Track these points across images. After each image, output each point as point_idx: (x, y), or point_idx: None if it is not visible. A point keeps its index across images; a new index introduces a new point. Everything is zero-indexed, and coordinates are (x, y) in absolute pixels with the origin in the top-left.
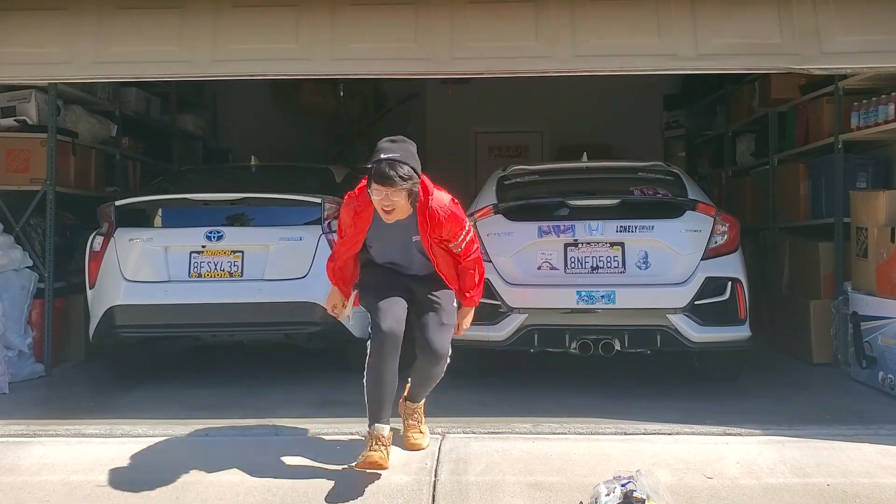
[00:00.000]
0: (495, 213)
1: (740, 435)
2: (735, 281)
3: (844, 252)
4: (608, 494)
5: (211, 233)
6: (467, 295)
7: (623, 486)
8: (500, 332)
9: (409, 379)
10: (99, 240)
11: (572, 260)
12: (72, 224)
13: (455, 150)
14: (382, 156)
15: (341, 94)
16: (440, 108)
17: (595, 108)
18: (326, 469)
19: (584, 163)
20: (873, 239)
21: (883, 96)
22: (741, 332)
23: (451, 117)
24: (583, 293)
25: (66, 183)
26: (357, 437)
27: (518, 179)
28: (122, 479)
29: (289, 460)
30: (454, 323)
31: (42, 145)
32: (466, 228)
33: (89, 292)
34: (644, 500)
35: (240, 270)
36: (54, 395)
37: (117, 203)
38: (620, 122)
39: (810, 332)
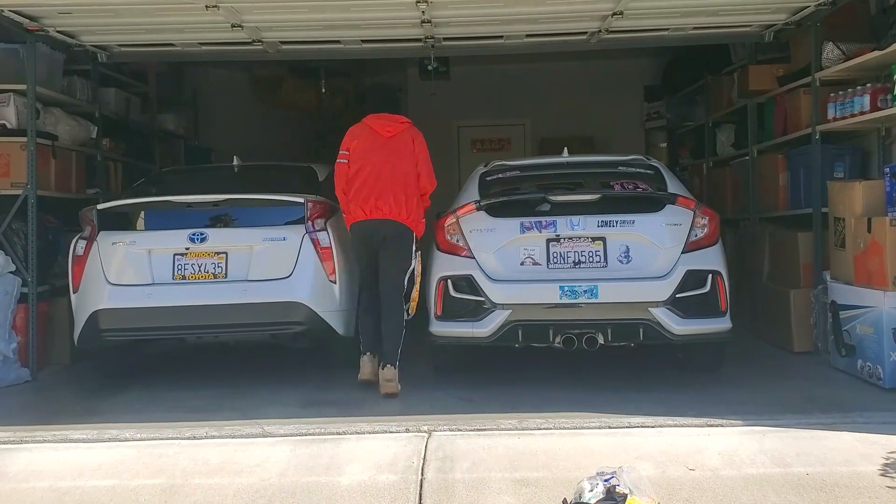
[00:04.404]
0: (478, 209)
1: (722, 426)
2: (715, 273)
3: (823, 242)
4: (591, 490)
5: (194, 235)
6: None
7: (606, 481)
8: (485, 328)
9: None
10: (82, 244)
11: (555, 255)
12: (53, 227)
13: (437, 144)
14: None
15: (323, 89)
16: (422, 103)
17: (576, 101)
18: (314, 469)
19: (566, 157)
20: (850, 229)
21: (859, 87)
22: (722, 324)
23: (432, 112)
24: (566, 288)
25: (46, 186)
26: (344, 436)
27: (500, 175)
28: (110, 484)
29: (276, 461)
30: None
31: (22, 149)
32: None
33: (73, 297)
34: (626, 494)
35: (224, 272)
36: (40, 399)
37: (99, 207)
38: (601, 113)
39: (791, 321)
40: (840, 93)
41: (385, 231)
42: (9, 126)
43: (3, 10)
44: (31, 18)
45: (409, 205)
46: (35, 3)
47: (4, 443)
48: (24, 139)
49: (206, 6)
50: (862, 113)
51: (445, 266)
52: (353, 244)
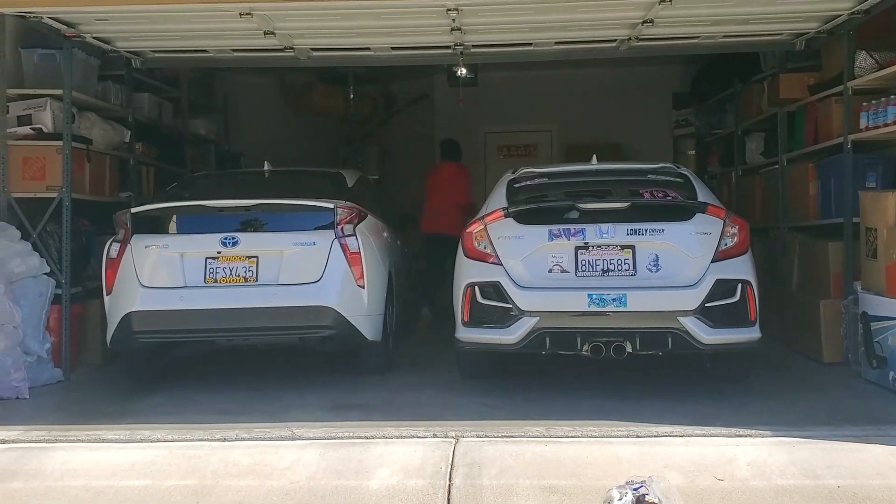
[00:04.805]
0: (506, 216)
1: (751, 436)
2: (745, 283)
3: (854, 252)
4: (621, 499)
5: (226, 239)
6: None
7: (635, 490)
8: (512, 334)
9: None
10: (115, 246)
11: (583, 263)
12: (87, 229)
13: (465, 150)
14: None
15: (351, 95)
16: (449, 109)
17: (604, 107)
18: (344, 473)
19: (594, 165)
20: (882, 239)
21: (892, 97)
22: (751, 334)
23: (460, 118)
24: (594, 296)
25: (81, 189)
26: (373, 440)
27: (528, 182)
28: (142, 484)
29: (306, 464)
30: None
31: (57, 153)
32: None
33: (106, 298)
34: None
35: (254, 275)
36: (73, 399)
37: (133, 210)
38: (629, 120)
39: (820, 332)
40: (873, 102)
41: (443, 239)
42: (45, 130)
43: (42, 17)
44: (68, 25)
45: (457, 220)
46: (73, 10)
47: (39, 441)
48: (60, 143)
49: (240, 13)
50: None
51: (473, 272)
52: (423, 245)
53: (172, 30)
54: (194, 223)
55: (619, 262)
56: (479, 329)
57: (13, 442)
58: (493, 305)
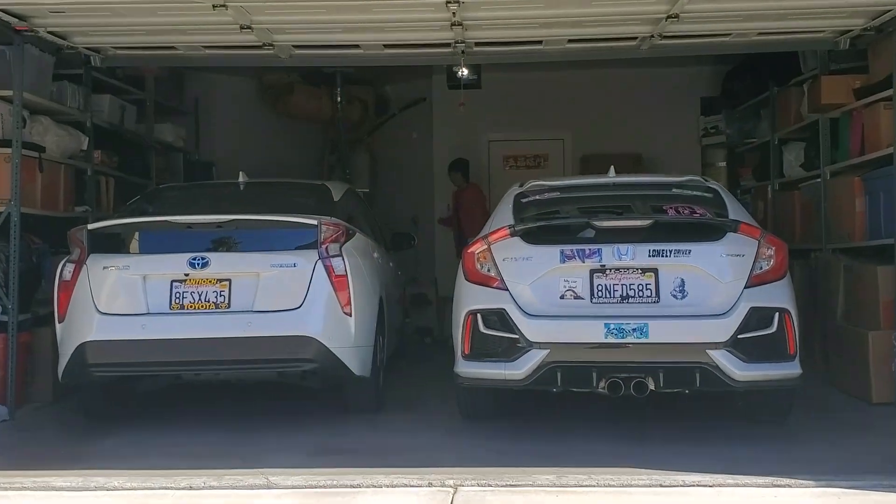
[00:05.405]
0: (512, 235)
1: (790, 486)
2: (783, 311)
3: None
4: None
5: (195, 259)
6: None
7: None
8: (519, 369)
9: None
10: (69, 267)
11: (599, 288)
12: (38, 248)
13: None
14: None
15: (339, 97)
16: (448, 114)
17: (623, 113)
18: None
19: (612, 177)
20: None
21: None
22: (790, 370)
23: (460, 124)
24: (612, 326)
25: (31, 203)
26: (359, 489)
27: (537, 197)
28: None
29: None
30: None
31: (5, 161)
32: None
33: (58, 326)
34: None
35: (227, 301)
36: (20, 441)
37: (90, 227)
38: (651, 128)
39: (869, 368)
40: None
41: None
42: None
43: None
44: (19, 17)
45: None
46: (25, 2)
47: None
48: (9, 150)
49: (214, 5)
50: None
51: (474, 298)
52: None
53: (137, 24)
54: (159, 241)
55: (640, 287)
56: (481, 363)
57: None
58: (498, 336)
